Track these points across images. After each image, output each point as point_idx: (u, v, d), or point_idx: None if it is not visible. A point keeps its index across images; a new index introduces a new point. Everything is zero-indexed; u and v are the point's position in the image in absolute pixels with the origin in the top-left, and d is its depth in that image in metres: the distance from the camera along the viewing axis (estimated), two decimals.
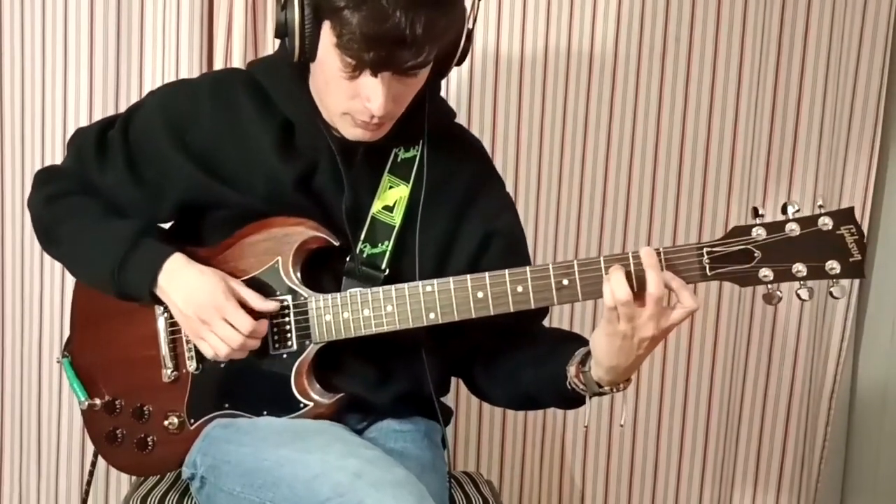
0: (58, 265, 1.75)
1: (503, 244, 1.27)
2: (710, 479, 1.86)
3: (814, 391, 1.89)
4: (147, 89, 1.70)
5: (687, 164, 1.77)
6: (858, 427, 1.96)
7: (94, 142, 1.29)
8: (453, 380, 1.38)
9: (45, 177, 1.34)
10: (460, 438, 1.82)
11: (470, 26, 1.15)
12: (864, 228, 1.82)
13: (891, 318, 1.87)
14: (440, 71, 1.17)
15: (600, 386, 1.14)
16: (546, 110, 1.74)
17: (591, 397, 1.16)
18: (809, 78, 1.75)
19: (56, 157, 1.74)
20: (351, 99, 1.14)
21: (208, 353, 1.20)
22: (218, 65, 1.68)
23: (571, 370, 1.16)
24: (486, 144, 1.47)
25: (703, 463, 1.86)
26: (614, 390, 1.14)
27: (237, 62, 1.67)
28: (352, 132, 1.18)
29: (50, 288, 1.78)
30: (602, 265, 1.10)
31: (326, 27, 1.10)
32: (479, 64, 1.72)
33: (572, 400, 1.19)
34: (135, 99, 1.70)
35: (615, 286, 1.06)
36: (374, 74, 1.10)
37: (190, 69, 1.66)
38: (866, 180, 1.82)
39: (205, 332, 1.19)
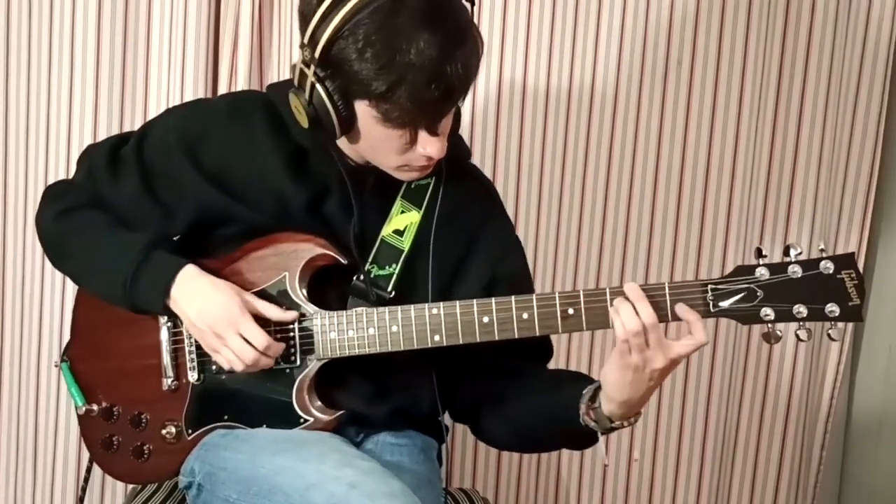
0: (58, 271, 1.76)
1: (506, 290, 1.25)
2: (707, 497, 1.87)
3: (810, 416, 1.90)
4: (152, 104, 1.71)
5: (686, 187, 1.77)
6: (854, 452, 1.97)
7: (107, 158, 1.29)
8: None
9: (55, 192, 1.34)
10: (456, 454, 1.82)
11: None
12: (862, 255, 1.84)
13: (887, 344, 1.89)
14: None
15: (611, 421, 1.15)
16: (547, 132, 1.75)
17: (602, 434, 1.16)
18: (810, 102, 1.76)
19: (59, 167, 1.74)
20: (405, 153, 1.15)
21: (224, 366, 1.20)
22: (223, 80, 1.69)
23: (582, 408, 1.16)
24: (487, 166, 1.49)
25: (699, 488, 1.87)
26: (625, 424, 1.15)
27: (242, 78, 1.68)
28: (409, 175, 1.20)
29: (50, 294, 1.77)
30: (608, 296, 1.12)
31: (363, 106, 1.10)
32: (481, 85, 1.71)
33: (583, 437, 1.19)
34: (140, 113, 1.72)
35: (625, 318, 1.08)
36: (433, 132, 1.12)
37: (195, 85, 1.67)
38: (864, 206, 1.83)
39: (219, 346, 1.19)
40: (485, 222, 1.29)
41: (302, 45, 1.11)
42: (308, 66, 1.10)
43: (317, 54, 1.08)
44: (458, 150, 1.28)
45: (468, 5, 1.13)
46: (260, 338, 1.17)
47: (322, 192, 1.23)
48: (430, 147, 1.13)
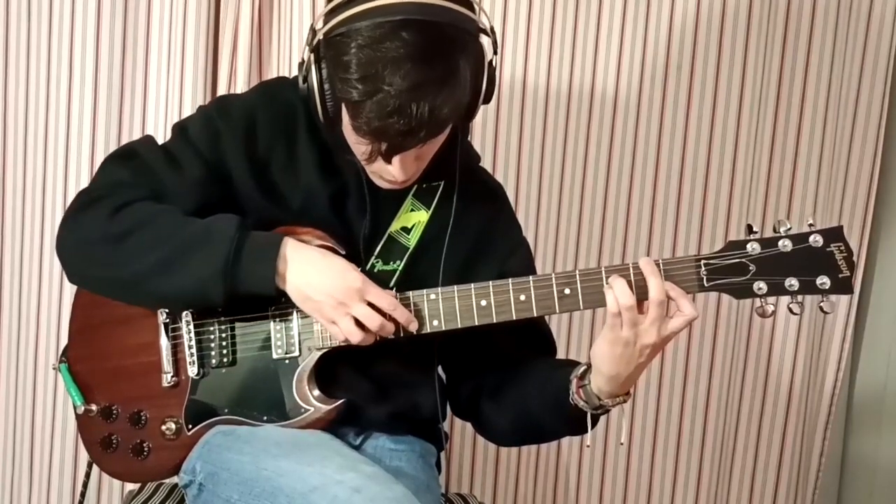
0: (56, 272, 1.75)
1: None
2: (705, 500, 1.86)
3: (810, 412, 1.90)
4: (150, 106, 1.72)
5: (686, 190, 1.78)
6: (854, 449, 1.97)
7: (161, 151, 1.24)
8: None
9: (92, 195, 1.22)
10: (454, 460, 1.82)
11: (494, 61, 1.15)
12: (864, 249, 1.84)
13: (887, 345, 1.90)
14: (467, 115, 1.17)
15: (600, 399, 1.15)
16: (547, 132, 1.76)
17: (591, 413, 1.17)
18: (810, 105, 1.77)
19: (57, 168, 1.73)
20: (373, 163, 1.16)
21: (339, 336, 1.17)
22: (222, 82, 1.69)
23: (572, 386, 1.17)
24: (487, 166, 1.50)
25: (698, 484, 1.86)
26: (612, 404, 1.15)
27: (241, 80, 1.69)
28: (382, 184, 1.20)
29: (48, 296, 1.77)
30: (603, 274, 1.13)
31: (344, 106, 1.12)
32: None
33: (575, 421, 1.18)
34: (138, 114, 1.72)
35: (619, 292, 1.09)
36: (388, 161, 1.13)
37: (194, 86, 1.68)
38: (864, 209, 1.84)
39: (340, 316, 1.15)
40: (493, 225, 1.30)
41: (316, 21, 1.14)
42: (311, 43, 1.13)
43: (320, 35, 1.12)
44: (467, 155, 1.31)
45: (490, 49, 1.14)
46: (388, 300, 1.15)
47: (343, 190, 1.25)
48: (391, 171, 1.15)
